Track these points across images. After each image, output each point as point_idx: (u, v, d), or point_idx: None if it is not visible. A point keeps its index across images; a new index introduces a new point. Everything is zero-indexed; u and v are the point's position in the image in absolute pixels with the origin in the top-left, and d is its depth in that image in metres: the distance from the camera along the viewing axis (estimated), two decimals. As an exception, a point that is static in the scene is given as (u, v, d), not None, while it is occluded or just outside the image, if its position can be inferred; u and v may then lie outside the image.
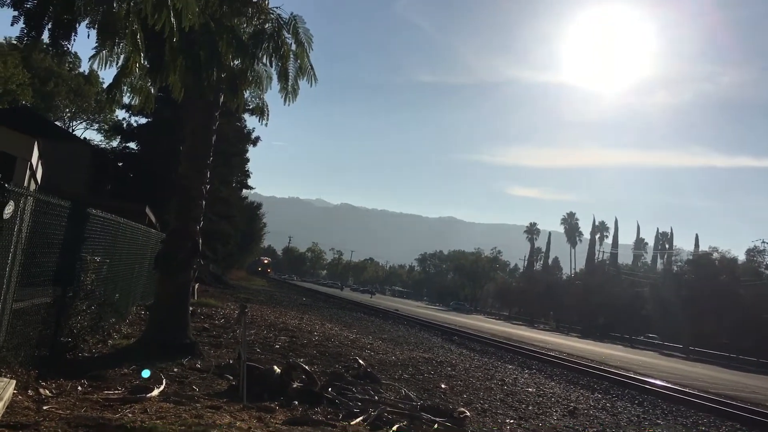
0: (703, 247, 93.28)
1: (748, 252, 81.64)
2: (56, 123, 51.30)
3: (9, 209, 6.15)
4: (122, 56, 8.38)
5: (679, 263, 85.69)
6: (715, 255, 75.16)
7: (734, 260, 73.79)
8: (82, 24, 6.62)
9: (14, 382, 6.08)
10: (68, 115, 62.68)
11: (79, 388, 7.86)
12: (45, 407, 6.62)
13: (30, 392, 7.08)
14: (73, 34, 6.36)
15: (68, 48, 6.51)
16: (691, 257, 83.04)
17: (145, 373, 8.83)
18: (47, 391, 7.30)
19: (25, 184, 8.61)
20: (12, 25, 6.14)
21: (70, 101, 60.30)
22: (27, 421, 6.05)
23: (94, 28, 6.71)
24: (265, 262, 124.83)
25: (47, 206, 7.82)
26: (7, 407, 5.89)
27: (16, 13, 6.04)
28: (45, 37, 6.44)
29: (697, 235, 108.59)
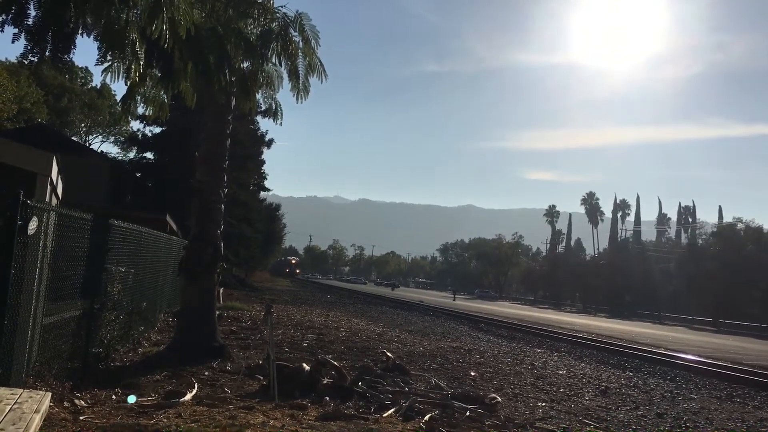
0: (727, 218, 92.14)
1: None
2: (73, 138, 51.89)
3: (33, 225, 6.22)
4: (132, 67, 8.38)
5: (704, 236, 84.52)
6: (740, 225, 74.19)
7: (759, 229, 72.66)
8: (90, 38, 6.65)
9: (50, 394, 6.16)
10: (84, 129, 63.43)
11: (114, 396, 7.96)
12: (81, 417, 6.72)
13: (66, 404, 7.19)
14: (73, 47, 6.32)
15: (69, 61, 6.52)
16: (715, 229, 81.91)
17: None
18: (82, 402, 7.40)
19: (47, 199, 8.70)
20: (13, 42, 6.03)
21: (84, 116, 61.00)
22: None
23: (97, 41, 6.72)
24: (293, 262, 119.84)
25: (69, 220, 7.87)
26: (44, 420, 5.97)
27: (16, 30, 6.02)
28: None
29: (720, 206, 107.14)
